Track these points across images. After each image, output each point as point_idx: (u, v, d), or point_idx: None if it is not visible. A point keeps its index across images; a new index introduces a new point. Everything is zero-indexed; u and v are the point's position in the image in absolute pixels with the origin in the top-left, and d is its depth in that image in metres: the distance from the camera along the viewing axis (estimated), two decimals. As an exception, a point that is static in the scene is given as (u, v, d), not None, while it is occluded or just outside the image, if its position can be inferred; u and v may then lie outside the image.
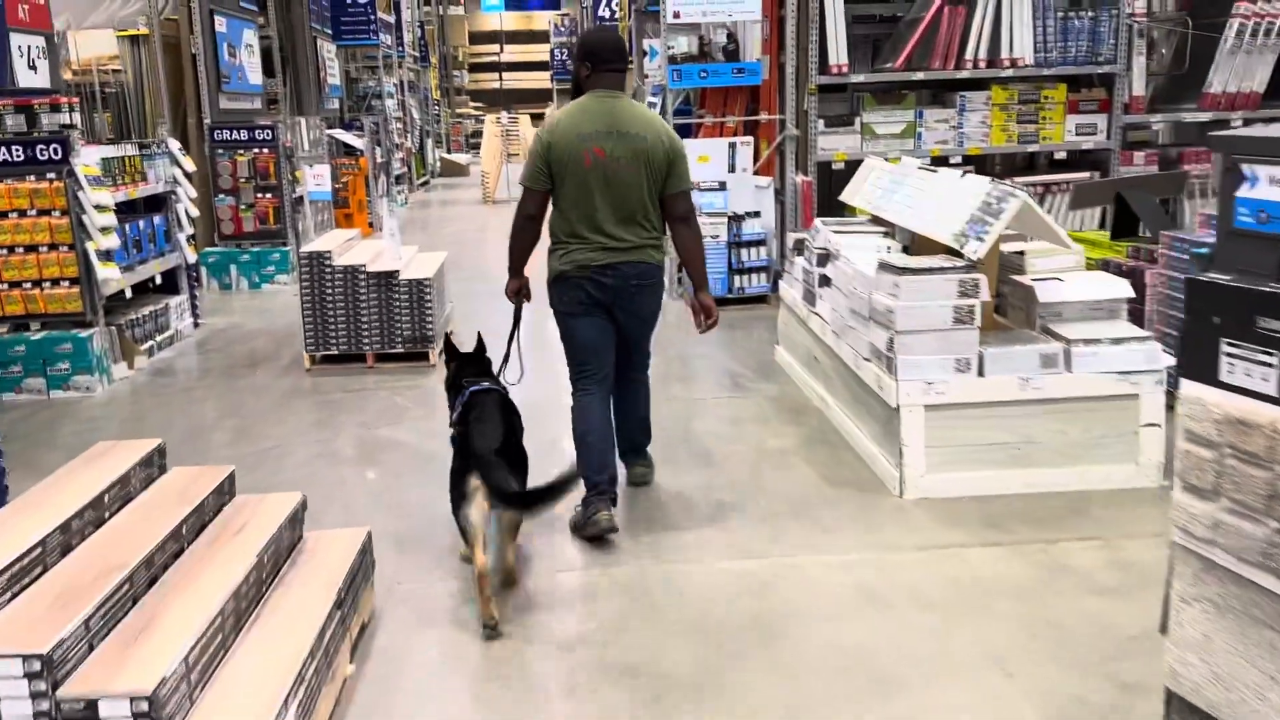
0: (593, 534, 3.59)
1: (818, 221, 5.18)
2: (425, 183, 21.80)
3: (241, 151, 9.02)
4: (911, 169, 4.96)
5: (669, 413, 5.09)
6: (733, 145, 7.80)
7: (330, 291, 6.05)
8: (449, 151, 26.99)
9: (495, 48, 38.03)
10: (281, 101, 12.64)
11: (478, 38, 37.38)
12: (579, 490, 3.50)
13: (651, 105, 8.17)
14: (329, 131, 13.33)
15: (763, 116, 8.05)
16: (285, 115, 12.47)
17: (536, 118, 27.69)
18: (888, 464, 4.01)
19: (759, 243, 7.58)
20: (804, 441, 4.62)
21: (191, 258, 7.28)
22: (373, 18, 15.54)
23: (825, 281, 4.98)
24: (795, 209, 7.83)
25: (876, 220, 5.33)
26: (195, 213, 7.38)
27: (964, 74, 7.72)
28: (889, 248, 4.69)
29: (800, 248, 5.53)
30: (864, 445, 4.31)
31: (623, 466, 4.04)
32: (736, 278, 7.58)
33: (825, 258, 4.98)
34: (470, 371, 3.64)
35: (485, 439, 3.20)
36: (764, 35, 7.90)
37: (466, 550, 3.26)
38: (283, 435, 4.99)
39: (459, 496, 3.12)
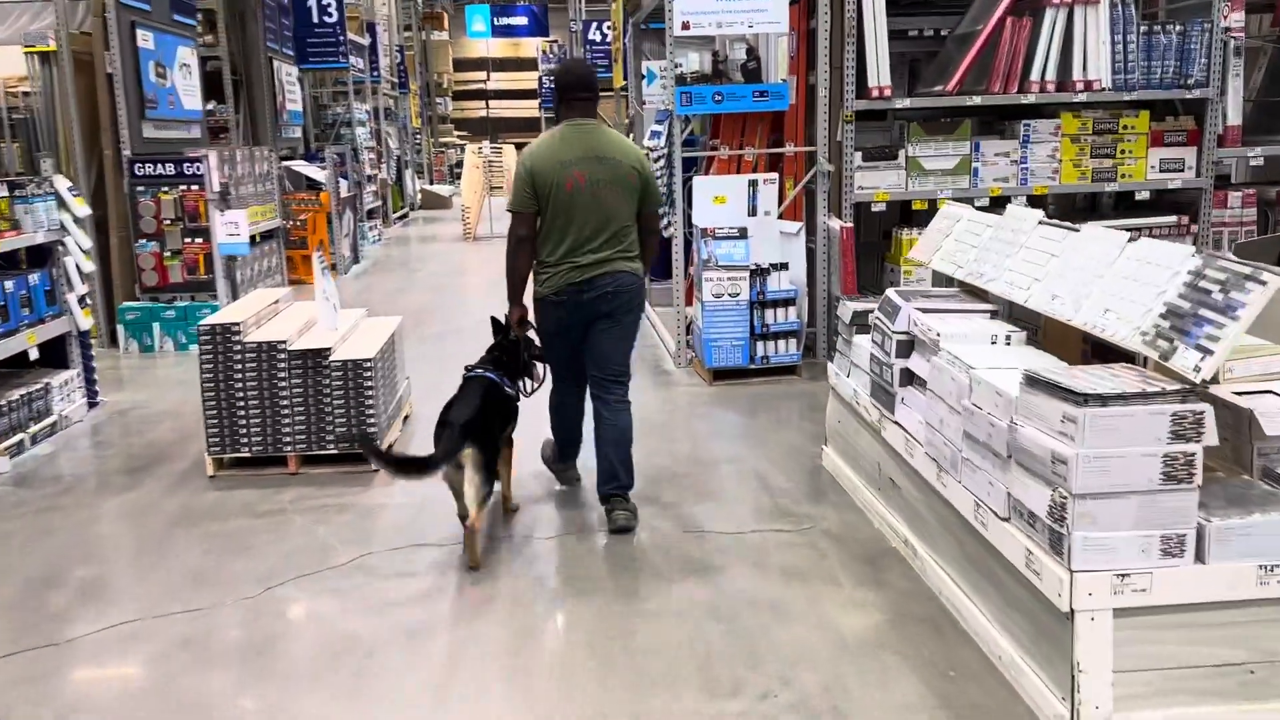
0: (562, 478, 4.39)
1: (892, 292, 3.79)
2: (404, 216, 20.41)
3: (166, 188, 7.60)
4: (1028, 222, 3.58)
5: (690, 556, 3.66)
6: (753, 184, 6.44)
7: (240, 376, 4.62)
8: (431, 182, 25.64)
9: (482, 75, 36.95)
10: (233, 130, 11.27)
11: (463, 64, 36.28)
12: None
13: (655, 134, 6.83)
14: (287, 163, 11.96)
15: (789, 148, 6.70)
16: (237, 144, 11.10)
17: (522, 147, 26.39)
18: (1048, 691, 2.59)
19: (787, 302, 6.19)
20: (893, 618, 3.19)
21: (85, 323, 5.85)
22: (341, 39, 14.21)
23: (910, 378, 3.58)
24: (829, 260, 6.47)
25: (966, 288, 3.96)
26: (89, 267, 5.95)
27: (1029, 98, 6.42)
28: (1007, 336, 3.31)
29: (862, 323, 4.15)
30: (994, 641, 2.89)
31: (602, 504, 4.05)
32: (760, 344, 6.18)
33: (910, 345, 3.59)
34: (491, 355, 4.11)
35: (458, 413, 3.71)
36: (790, 52, 6.57)
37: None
38: (145, 599, 3.52)
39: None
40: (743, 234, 6.16)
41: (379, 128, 18.17)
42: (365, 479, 4.61)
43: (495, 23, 34.81)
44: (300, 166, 11.83)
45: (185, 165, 7.63)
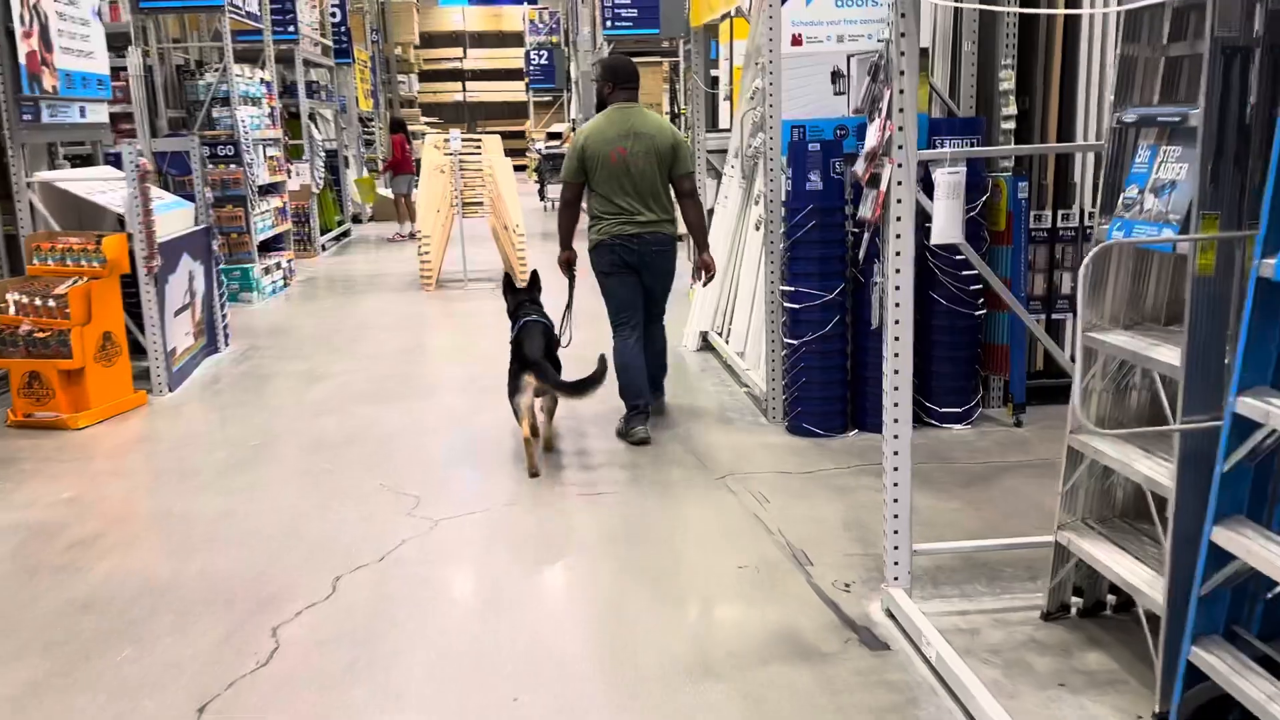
0: (633, 442, 4.85)
1: None
2: (344, 234, 14.54)
3: None
4: None
5: None
6: None
7: None
8: (389, 184, 19.77)
9: (457, 51, 31.02)
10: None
11: (434, 39, 30.36)
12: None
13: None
14: (48, 175, 6.13)
15: None
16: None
17: (511, 136, 20.47)
18: None
19: None
20: None
21: None
22: (207, -42, 8.41)
23: None
24: None
25: None
26: None
27: None
28: None
29: None
30: None
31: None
32: None
33: None
34: (525, 302, 5.03)
35: (534, 349, 4.63)
36: None
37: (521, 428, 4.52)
38: None
39: (514, 388, 4.53)
40: None
41: (298, 110, 12.34)
42: None
43: (473, -13, 28.87)
44: (59, 180, 6.00)
45: None
